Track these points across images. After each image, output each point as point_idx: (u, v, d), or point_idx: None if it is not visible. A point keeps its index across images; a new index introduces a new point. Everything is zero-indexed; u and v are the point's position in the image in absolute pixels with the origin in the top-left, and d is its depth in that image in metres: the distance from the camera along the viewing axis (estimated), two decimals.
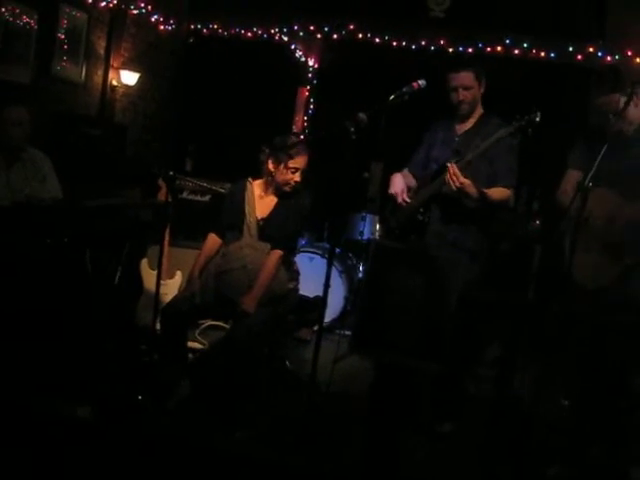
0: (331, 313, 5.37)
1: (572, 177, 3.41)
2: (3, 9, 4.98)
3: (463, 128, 3.71)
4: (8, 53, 5.09)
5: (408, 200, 3.73)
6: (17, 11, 5.12)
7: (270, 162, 3.68)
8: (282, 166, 3.64)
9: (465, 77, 3.57)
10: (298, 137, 3.76)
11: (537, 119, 3.28)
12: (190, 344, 4.20)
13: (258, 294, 3.53)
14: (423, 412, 3.73)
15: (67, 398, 3.08)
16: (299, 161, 3.65)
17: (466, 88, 3.58)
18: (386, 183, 3.96)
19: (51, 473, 2.68)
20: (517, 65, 6.11)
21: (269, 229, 3.69)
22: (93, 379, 3.30)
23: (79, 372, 3.21)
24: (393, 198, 3.77)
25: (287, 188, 3.70)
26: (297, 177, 3.68)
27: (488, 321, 4.22)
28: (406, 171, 3.90)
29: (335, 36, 6.67)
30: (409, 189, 3.78)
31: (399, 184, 3.77)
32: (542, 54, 6.04)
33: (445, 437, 3.64)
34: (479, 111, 3.69)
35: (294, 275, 3.84)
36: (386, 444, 3.25)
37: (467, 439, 3.64)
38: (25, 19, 5.22)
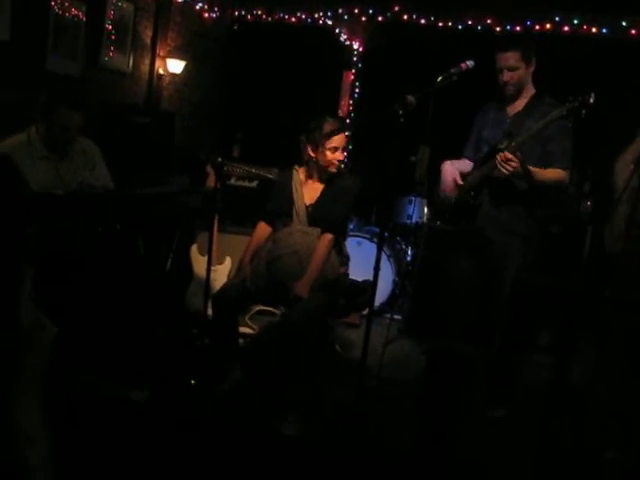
0: (380, 297, 5.35)
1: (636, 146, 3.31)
2: (52, 2, 5.06)
3: (514, 109, 3.63)
4: (58, 46, 5.17)
5: (460, 183, 3.68)
6: (66, 4, 5.19)
7: (309, 147, 3.69)
8: (321, 148, 3.64)
9: (510, 57, 3.49)
10: (332, 118, 3.74)
11: (591, 100, 3.20)
12: (240, 329, 4.24)
13: (311, 279, 3.54)
14: (476, 397, 3.71)
15: (122, 382, 3.14)
16: (336, 140, 3.64)
17: (511, 69, 3.50)
18: (433, 166, 3.92)
19: (105, 454, 2.75)
20: (570, 42, 5.96)
21: (318, 214, 3.69)
22: (147, 363, 3.36)
23: (133, 356, 3.27)
24: (443, 186, 3.74)
25: (332, 169, 3.69)
26: (339, 156, 3.68)
27: (541, 306, 4.15)
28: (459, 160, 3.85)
29: (380, 18, 6.61)
30: (462, 173, 3.73)
31: (448, 170, 3.73)
32: (594, 30, 5.88)
33: (498, 422, 3.61)
34: (530, 91, 3.61)
35: (345, 259, 3.85)
36: (439, 429, 3.23)
37: (521, 424, 3.60)
38: (74, 12, 5.29)
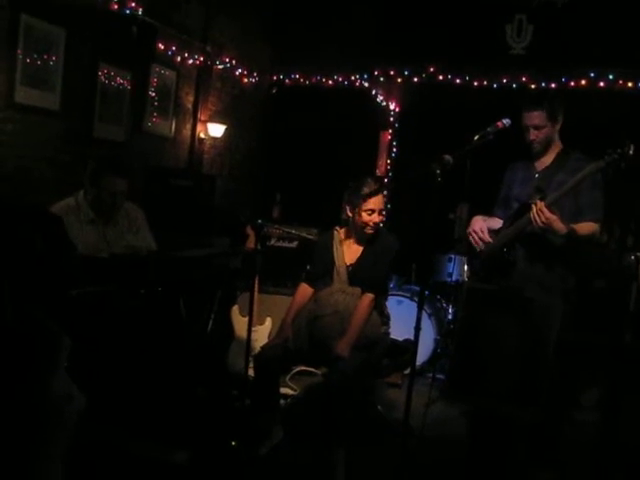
0: (421, 356, 5.29)
1: None
2: (100, 73, 5.27)
3: (542, 164, 3.64)
4: (105, 113, 5.36)
5: (489, 240, 3.67)
6: (112, 73, 5.40)
7: (347, 208, 3.72)
8: (357, 210, 3.67)
9: (536, 117, 3.51)
10: (372, 179, 3.78)
11: (630, 152, 3.18)
12: (281, 390, 4.22)
13: (352, 338, 3.53)
14: (522, 458, 3.60)
15: (163, 443, 3.14)
16: (372, 202, 3.68)
17: (537, 127, 3.52)
18: None
19: None
20: (602, 98, 5.97)
21: (358, 274, 3.71)
22: (188, 424, 3.36)
23: (174, 417, 3.27)
24: (469, 238, 3.73)
25: (368, 230, 3.72)
26: (375, 218, 3.69)
27: (584, 364, 4.06)
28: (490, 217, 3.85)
29: (415, 79, 6.72)
30: (492, 230, 3.73)
31: (477, 224, 3.73)
32: (629, 85, 5.89)
33: None
34: (558, 147, 3.61)
35: (385, 319, 3.84)
36: None
37: None
38: (119, 80, 5.50)
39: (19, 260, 1.82)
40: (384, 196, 3.79)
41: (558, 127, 3.58)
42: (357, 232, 3.77)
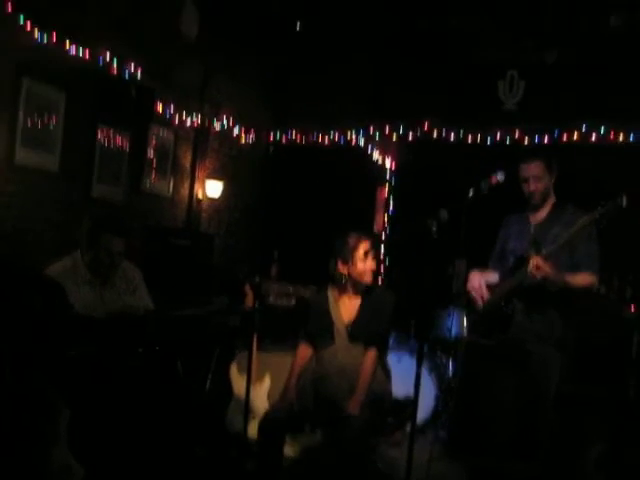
0: (422, 413, 5.21)
1: None
2: (99, 135, 5.34)
3: (537, 218, 3.69)
4: (103, 173, 5.42)
5: (487, 295, 3.69)
6: (111, 134, 5.48)
7: (339, 264, 3.72)
8: (351, 261, 3.67)
9: (535, 167, 3.59)
10: (355, 233, 3.79)
11: (623, 203, 3.22)
12: None
13: (362, 396, 3.50)
14: None
15: None
16: (364, 246, 3.68)
17: (537, 178, 3.58)
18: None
19: None
20: (594, 151, 6.05)
21: (358, 330, 3.69)
22: None
23: (172, 477, 3.22)
24: (470, 295, 3.75)
25: (367, 279, 3.70)
26: (370, 263, 3.69)
27: (585, 417, 4.01)
28: (486, 271, 3.87)
29: (410, 136, 6.82)
30: (489, 285, 3.74)
31: (475, 280, 3.75)
32: (620, 137, 5.98)
33: None
34: (552, 199, 3.67)
35: (388, 374, 3.81)
36: None
37: None
38: (119, 141, 5.58)
39: (19, 324, 1.82)
40: (373, 242, 3.78)
41: (553, 180, 3.64)
42: (353, 286, 3.76)
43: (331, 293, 3.84)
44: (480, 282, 3.73)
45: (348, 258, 3.68)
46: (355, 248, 3.66)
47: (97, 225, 3.70)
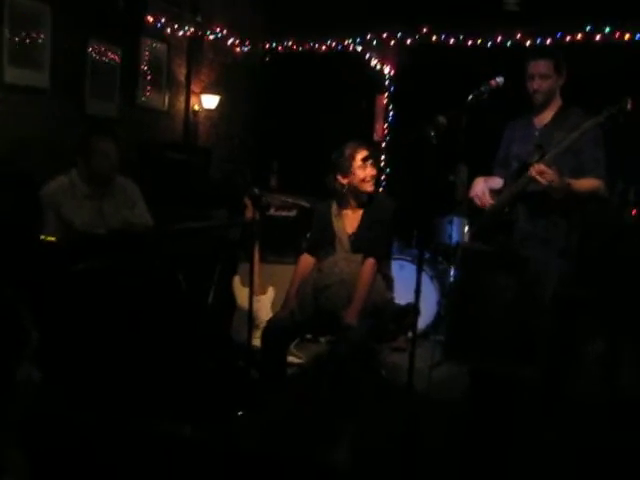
0: (425, 319, 5.30)
1: None
2: (90, 48, 5.21)
3: (542, 121, 3.61)
4: (96, 89, 5.31)
5: (491, 201, 3.66)
6: (102, 49, 5.34)
7: (339, 177, 3.69)
8: (351, 170, 3.64)
9: (543, 65, 3.49)
10: (351, 142, 3.74)
11: (628, 106, 3.16)
12: (287, 358, 4.24)
13: (359, 306, 3.53)
14: (524, 417, 3.62)
15: (168, 417, 3.16)
16: (362, 153, 3.66)
17: (542, 76, 3.49)
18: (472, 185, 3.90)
19: None
20: (600, 52, 5.89)
21: (360, 240, 3.70)
22: (192, 397, 3.38)
23: (179, 390, 3.29)
24: (473, 201, 3.72)
25: (368, 188, 3.69)
26: (370, 170, 3.67)
27: (586, 318, 4.06)
28: (490, 177, 3.83)
29: (409, 41, 6.64)
30: (493, 190, 3.71)
31: (478, 187, 3.71)
32: (626, 37, 5.81)
33: (552, 444, 3.52)
34: (557, 102, 3.59)
35: (390, 284, 3.83)
36: (488, 452, 3.16)
37: (575, 443, 3.49)
38: (110, 55, 5.44)
39: None
40: (371, 149, 3.74)
41: (561, 82, 3.55)
42: (355, 197, 3.74)
43: (334, 206, 3.83)
44: (483, 189, 3.69)
45: (347, 168, 3.65)
46: (352, 157, 3.63)
47: (88, 131, 3.75)
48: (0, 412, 1.72)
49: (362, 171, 3.65)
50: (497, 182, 3.76)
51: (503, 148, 3.82)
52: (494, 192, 3.71)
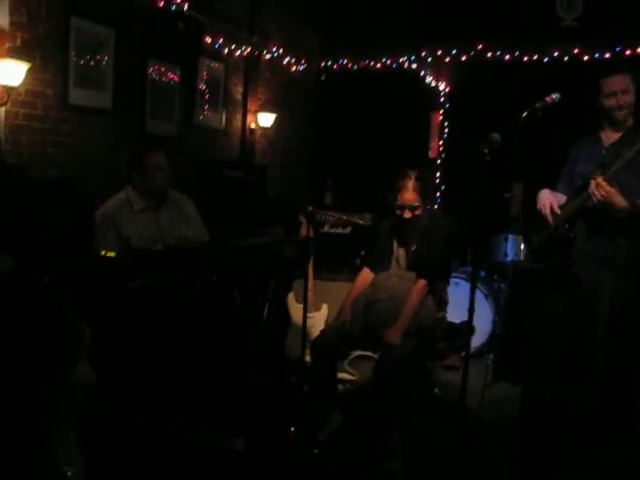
0: (479, 338, 5.24)
1: None
2: (150, 69, 5.36)
3: (610, 140, 3.52)
4: (156, 109, 5.46)
5: (558, 212, 3.57)
6: (162, 69, 5.49)
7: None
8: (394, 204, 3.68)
9: (622, 81, 3.41)
10: (409, 171, 3.75)
11: None
12: (340, 375, 4.25)
13: (403, 325, 3.53)
14: (579, 438, 3.54)
15: (222, 431, 3.20)
16: (403, 199, 3.67)
17: (624, 92, 3.41)
18: (528, 202, 3.84)
19: None
20: None
21: (414, 258, 3.70)
22: (246, 412, 3.42)
23: (233, 405, 3.33)
24: (541, 213, 3.64)
25: (405, 214, 3.69)
26: (406, 214, 3.67)
27: None
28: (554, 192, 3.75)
29: (464, 57, 6.62)
30: (558, 205, 3.64)
31: (547, 198, 3.63)
32: None
33: (609, 466, 3.43)
34: (630, 121, 3.49)
35: (442, 305, 3.82)
36: (540, 473, 3.11)
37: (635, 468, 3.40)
38: (169, 76, 5.58)
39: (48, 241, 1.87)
40: (418, 192, 3.72)
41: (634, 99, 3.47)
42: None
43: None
44: (552, 201, 3.61)
45: (393, 201, 3.69)
46: (396, 197, 3.68)
47: (134, 148, 3.88)
48: (59, 409, 1.79)
49: (400, 211, 3.67)
50: (560, 198, 3.69)
51: (568, 165, 3.74)
52: (560, 207, 3.64)
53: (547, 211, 3.60)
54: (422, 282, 3.62)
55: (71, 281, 1.90)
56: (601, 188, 3.21)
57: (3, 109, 4.11)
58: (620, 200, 3.24)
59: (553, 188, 3.78)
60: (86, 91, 4.78)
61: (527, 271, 4.84)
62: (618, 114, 3.45)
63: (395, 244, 3.80)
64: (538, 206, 3.67)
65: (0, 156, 3.92)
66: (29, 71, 4.14)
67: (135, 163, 3.79)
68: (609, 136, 3.53)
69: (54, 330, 1.76)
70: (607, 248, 3.45)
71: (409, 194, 3.65)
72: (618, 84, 3.41)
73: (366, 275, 3.88)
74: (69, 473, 1.78)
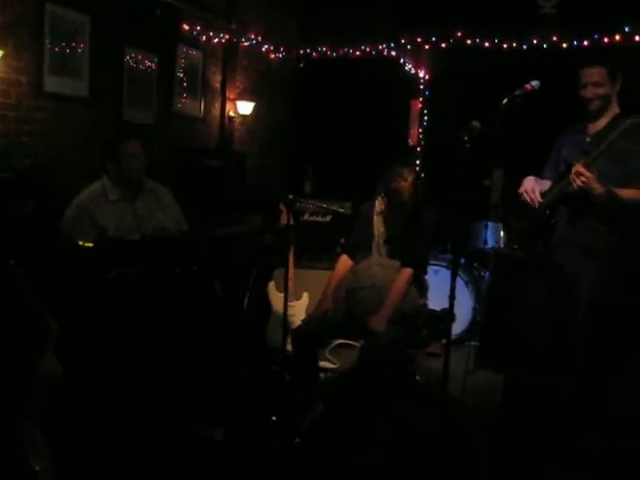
0: (460, 325, 5.26)
1: None
2: (127, 57, 5.29)
3: (595, 128, 3.51)
4: (133, 97, 5.39)
5: (540, 199, 3.57)
6: (139, 57, 5.42)
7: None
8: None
9: (595, 73, 3.39)
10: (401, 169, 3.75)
11: None
12: (321, 363, 4.25)
13: (387, 313, 3.53)
14: (566, 425, 3.56)
15: (202, 421, 3.18)
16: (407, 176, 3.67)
17: (595, 84, 3.40)
18: (508, 190, 3.85)
19: None
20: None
21: (398, 248, 3.70)
22: (227, 401, 3.40)
23: (213, 395, 3.31)
24: (522, 198, 3.64)
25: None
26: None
27: (630, 326, 3.98)
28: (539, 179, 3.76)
29: (443, 45, 6.61)
30: (541, 192, 3.64)
31: (529, 184, 3.63)
32: None
33: (590, 452, 3.45)
34: (614, 110, 3.47)
35: (424, 292, 3.82)
36: (521, 460, 3.12)
37: (618, 454, 3.43)
38: (146, 63, 5.52)
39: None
40: (413, 185, 3.73)
41: (617, 89, 3.44)
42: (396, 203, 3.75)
43: (378, 204, 3.83)
44: (534, 186, 3.60)
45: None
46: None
47: (110, 137, 3.90)
48: (24, 403, 1.76)
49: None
50: (546, 185, 3.69)
51: (554, 152, 3.74)
52: (542, 194, 3.64)
53: (527, 196, 3.60)
54: (408, 271, 3.62)
55: (43, 271, 1.87)
56: (581, 175, 3.21)
57: None
58: (597, 186, 3.24)
59: (536, 175, 3.78)
60: (62, 79, 4.71)
61: (508, 258, 4.85)
62: (590, 105, 3.46)
63: (376, 229, 3.77)
64: (520, 190, 3.67)
65: None
66: (2, 59, 4.07)
67: (109, 152, 3.74)
68: (594, 125, 3.53)
69: (16, 321, 1.73)
70: (587, 235, 3.45)
71: (405, 195, 3.66)
72: (590, 76, 3.40)
73: (345, 262, 3.87)
74: (37, 468, 1.75)
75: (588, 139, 3.51)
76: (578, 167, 3.23)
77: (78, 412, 2.73)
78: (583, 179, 3.22)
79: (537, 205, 3.55)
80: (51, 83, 4.62)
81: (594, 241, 3.43)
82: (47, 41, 4.55)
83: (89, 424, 2.84)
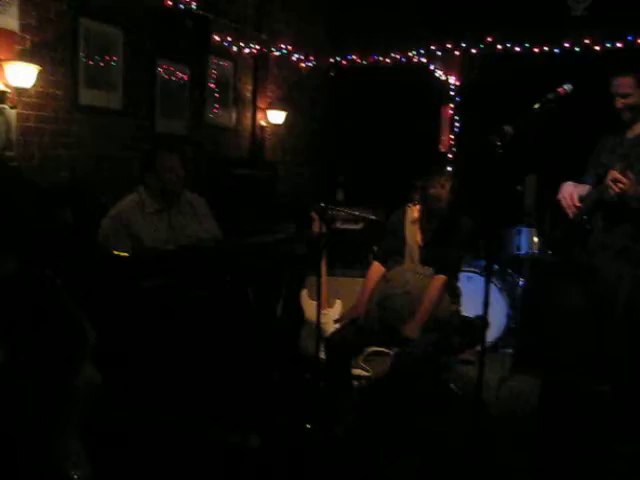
0: (494, 332, 5.21)
1: None
2: (159, 69, 5.36)
3: (632, 133, 3.48)
4: (166, 108, 5.46)
5: (578, 204, 3.53)
6: (171, 68, 5.49)
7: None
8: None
9: (622, 84, 3.34)
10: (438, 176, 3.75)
11: None
12: (354, 371, 4.24)
13: (421, 321, 3.52)
14: (601, 432, 3.51)
15: (236, 429, 3.20)
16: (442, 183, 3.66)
17: (623, 96, 3.37)
18: (541, 195, 3.81)
19: None
20: None
21: (432, 254, 3.69)
22: (261, 409, 3.41)
23: (248, 402, 3.33)
24: (560, 204, 3.60)
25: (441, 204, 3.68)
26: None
27: None
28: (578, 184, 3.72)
29: (473, 50, 6.58)
30: (579, 197, 3.60)
31: (567, 190, 3.59)
32: None
33: (627, 459, 3.39)
34: None
35: (456, 299, 3.80)
36: (558, 467, 3.08)
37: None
38: (179, 75, 5.59)
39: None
40: (450, 192, 3.72)
41: None
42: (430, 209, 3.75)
43: (410, 211, 3.83)
44: (571, 192, 3.56)
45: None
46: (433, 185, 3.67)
47: (152, 148, 3.90)
48: (63, 411, 1.79)
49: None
50: (585, 189, 3.64)
51: (594, 157, 3.70)
52: (580, 199, 3.59)
53: (565, 202, 3.56)
54: (442, 278, 3.61)
55: (81, 281, 1.90)
56: (618, 182, 3.17)
57: (14, 111, 4.12)
58: (635, 190, 3.20)
59: (572, 180, 3.74)
60: (96, 92, 4.79)
61: (544, 264, 4.81)
62: (621, 115, 3.42)
63: (408, 236, 3.76)
64: (557, 196, 3.63)
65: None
66: (39, 73, 4.16)
67: (148, 164, 3.78)
68: (632, 129, 3.48)
69: (57, 330, 1.76)
70: (623, 239, 3.41)
71: (442, 202, 3.66)
72: (617, 88, 3.36)
73: (377, 269, 3.87)
74: (75, 476, 1.77)
75: (625, 144, 3.46)
76: (614, 173, 3.18)
77: (117, 420, 2.75)
78: (620, 185, 3.17)
79: (574, 211, 3.51)
80: (86, 96, 4.70)
81: (630, 245, 3.38)
82: (82, 55, 4.64)
83: (127, 432, 2.87)
